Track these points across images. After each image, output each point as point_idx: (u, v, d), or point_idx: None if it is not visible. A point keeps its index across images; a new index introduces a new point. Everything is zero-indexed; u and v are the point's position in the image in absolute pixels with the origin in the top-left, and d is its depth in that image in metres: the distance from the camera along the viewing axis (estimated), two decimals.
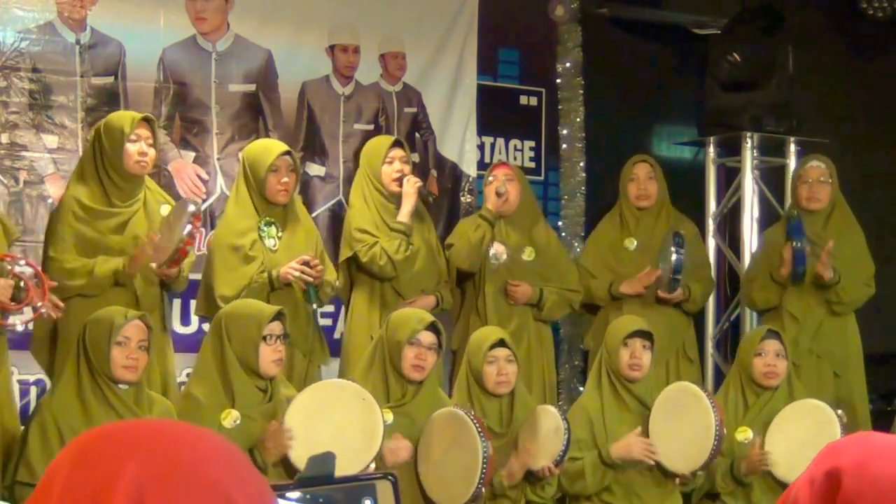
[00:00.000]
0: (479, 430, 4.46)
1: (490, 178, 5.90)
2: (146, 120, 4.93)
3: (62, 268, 4.74)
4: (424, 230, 5.64)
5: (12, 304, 4.36)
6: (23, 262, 4.48)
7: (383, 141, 5.68)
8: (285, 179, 5.13)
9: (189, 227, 4.64)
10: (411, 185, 5.44)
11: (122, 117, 4.95)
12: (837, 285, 5.83)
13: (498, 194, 5.78)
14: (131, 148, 4.82)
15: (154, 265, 4.76)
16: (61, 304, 4.55)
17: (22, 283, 4.35)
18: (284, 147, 5.27)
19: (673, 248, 5.83)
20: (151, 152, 4.89)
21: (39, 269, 4.52)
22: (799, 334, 5.88)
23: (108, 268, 4.75)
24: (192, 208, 4.70)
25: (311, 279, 5.06)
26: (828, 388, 5.81)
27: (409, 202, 5.43)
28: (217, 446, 1.14)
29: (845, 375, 5.94)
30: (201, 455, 1.11)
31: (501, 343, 4.89)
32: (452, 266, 5.76)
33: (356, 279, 5.52)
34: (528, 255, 5.84)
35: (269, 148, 5.25)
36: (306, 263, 5.06)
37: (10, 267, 4.37)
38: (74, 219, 4.81)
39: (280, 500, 1.80)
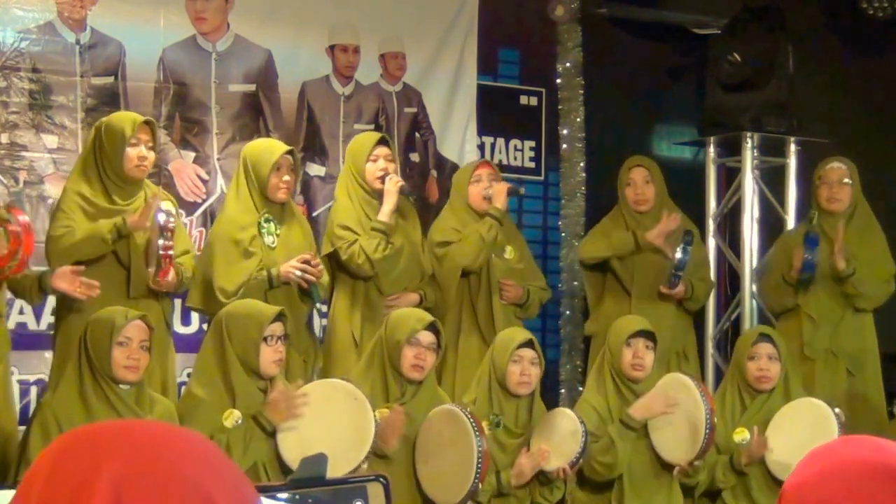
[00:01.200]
0: (475, 426, 4.47)
1: (474, 178, 5.75)
2: (147, 122, 4.93)
3: (67, 242, 4.73)
4: (409, 228, 5.58)
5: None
6: (15, 217, 4.47)
7: (368, 138, 5.60)
8: (287, 178, 5.13)
9: (161, 241, 4.70)
10: (393, 183, 5.36)
11: (122, 119, 4.93)
12: (853, 277, 5.84)
13: (512, 194, 5.76)
14: (131, 152, 4.81)
15: (150, 283, 4.79)
16: (95, 283, 4.57)
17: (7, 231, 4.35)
18: (287, 146, 5.27)
19: (680, 246, 5.86)
20: (151, 155, 4.89)
21: (29, 222, 4.51)
22: (816, 333, 5.89)
23: (108, 225, 4.73)
24: (161, 217, 4.73)
25: (312, 278, 5.08)
26: (842, 387, 5.82)
27: (390, 201, 5.36)
28: (197, 446, 1.13)
29: (861, 374, 5.94)
30: (180, 455, 1.11)
31: (529, 344, 4.91)
32: (453, 264, 5.67)
33: (337, 277, 5.46)
34: (509, 253, 5.81)
35: (272, 147, 5.26)
36: (307, 262, 5.07)
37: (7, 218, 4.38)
38: (78, 208, 4.80)
39: (270, 501, 1.81)
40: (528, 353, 4.89)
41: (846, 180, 5.99)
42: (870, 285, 5.92)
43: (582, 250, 6.36)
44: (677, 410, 4.97)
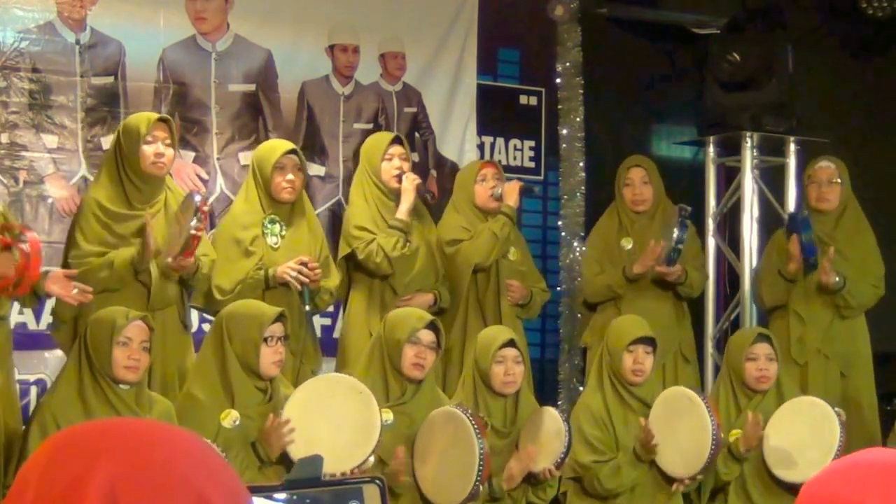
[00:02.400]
0: (476, 428, 4.47)
1: (480, 178, 5.76)
2: (163, 120, 4.94)
3: (83, 273, 4.74)
4: (424, 229, 5.60)
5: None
6: (26, 237, 4.48)
7: (383, 137, 5.65)
8: (290, 177, 5.14)
9: (194, 221, 4.66)
10: (410, 182, 5.40)
11: (138, 118, 4.96)
12: (843, 290, 5.83)
13: (526, 192, 5.75)
14: (147, 149, 4.81)
15: (169, 259, 4.77)
16: (89, 288, 4.56)
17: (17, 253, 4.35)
18: (291, 145, 5.29)
19: (678, 220, 5.82)
20: (169, 153, 4.88)
21: (39, 244, 4.51)
22: (805, 333, 5.89)
23: (124, 258, 4.75)
24: (198, 199, 4.73)
25: (306, 280, 5.07)
26: (835, 388, 5.82)
27: (407, 199, 5.40)
28: (189, 444, 1.14)
29: (852, 375, 5.94)
30: (173, 453, 1.12)
31: (510, 343, 4.91)
32: (465, 262, 5.65)
33: (354, 277, 5.50)
34: (513, 254, 5.82)
35: (275, 146, 5.30)
36: (304, 264, 5.08)
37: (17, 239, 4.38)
38: (95, 220, 4.81)
39: (266, 502, 1.82)
40: (510, 352, 4.89)
41: (835, 180, 6.00)
42: (860, 295, 5.90)
43: (586, 292, 6.31)
44: (680, 425, 4.96)
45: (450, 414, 4.61)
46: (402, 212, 5.40)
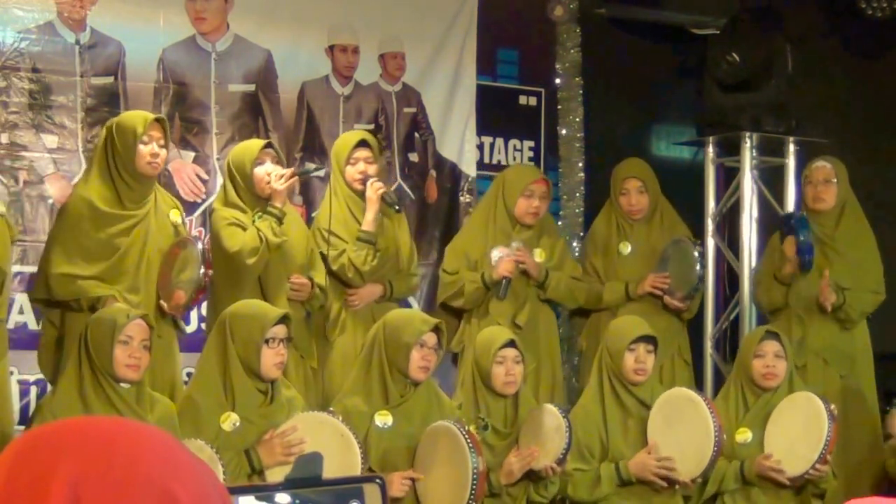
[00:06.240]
0: (471, 445, 4.45)
1: (528, 192, 5.78)
2: (158, 120, 4.93)
3: (60, 276, 4.73)
4: (394, 227, 5.56)
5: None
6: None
7: (348, 140, 5.56)
8: (271, 170, 5.11)
9: (203, 268, 4.79)
10: (374, 191, 5.33)
11: (134, 118, 4.94)
12: (844, 304, 5.84)
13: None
14: (143, 149, 4.80)
15: (166, 305, 4.81)
16: None
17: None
18: (265, 140, 5.29)
19: (698, 264, 5.99)
20: (163, 153, 4.88)
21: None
22: (805, 335, 5.89)
23: (97, 294, 4.74)
24: (200, 246, 4.80)
25: (303, 297, 5.15)
26: (834, 389, 5.82)
27: (372, 209, 5.34)
28: (155, 441, 1.13)
29: (853, 376, 5.94)
30: (137, 450, 1.11)
31: (510, 344, 4.92)
32: (447, 298, 5.76)
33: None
34: (539, 255, 5.83)
35: (251, 144, 5.26)
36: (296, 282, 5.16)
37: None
38: (82, 221, 4.78)
39: None
40: (510, 352, 4.90)
41: (832, 179, 6.00)
42: (860, 305, 5.92)
43: (581, 298, 6.26)
44: (682, 427, 4.96)
45: (446, 430, 4.58)
46: (368, 222, 5.35)
